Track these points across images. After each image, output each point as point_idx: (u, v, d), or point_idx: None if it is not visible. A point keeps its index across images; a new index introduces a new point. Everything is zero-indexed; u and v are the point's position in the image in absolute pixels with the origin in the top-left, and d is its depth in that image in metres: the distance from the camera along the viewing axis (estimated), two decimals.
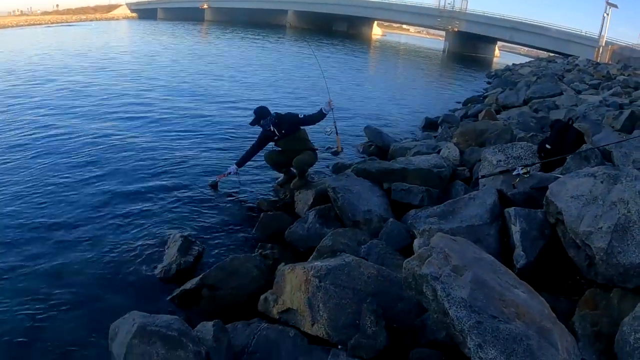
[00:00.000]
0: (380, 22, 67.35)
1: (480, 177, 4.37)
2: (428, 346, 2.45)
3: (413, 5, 50.59)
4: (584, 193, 3.01)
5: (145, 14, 67.71)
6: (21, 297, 3.19)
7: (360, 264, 2.85)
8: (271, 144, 5.37)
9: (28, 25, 46.56)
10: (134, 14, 69.60)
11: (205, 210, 4.76)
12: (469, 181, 5.03)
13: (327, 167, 6.29)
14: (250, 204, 5.03)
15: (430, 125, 9.82)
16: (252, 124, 5.20)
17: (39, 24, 47.84)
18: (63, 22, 51.80)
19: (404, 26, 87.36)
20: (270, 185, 5.57)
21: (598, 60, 28.99)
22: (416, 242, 3.35)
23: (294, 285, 2.78)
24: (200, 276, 3.27)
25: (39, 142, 6.59)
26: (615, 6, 36.20)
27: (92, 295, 3.28)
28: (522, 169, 3.86)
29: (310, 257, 3.50)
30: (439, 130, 8.92)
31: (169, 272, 3.54)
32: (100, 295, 3.30)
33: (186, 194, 5.10)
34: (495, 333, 1.94)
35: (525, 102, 11.23)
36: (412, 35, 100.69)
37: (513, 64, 30.09)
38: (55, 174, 5.41)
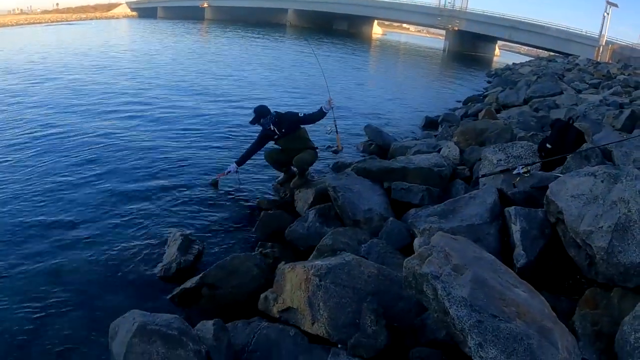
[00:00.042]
0: (381, 21, 67.31)
1: (480, 176, 4.37)
2: (428, 345, 2.45)
3: (413, 4, 50.54)
4: (585, 192, 3.00)
5: (145, 12, 67.66)
6: (21, 296, 3.19)
7: (360, 263, 2.85)
8: (271, 142, 5.36)
9: (28, 24, 46.55)
10: (134, 13, 69.56)
11: (205, 209, 4.76)
12: (469, 180, 5.03)
13: (327, 166, 6.28)
14: (251, 203, 5.02)
15: (430, 124, 9.82)
16: (252, 122, 5.19)
17: (39, 23, 47.81)
18: (63, 21, 51.74)
19: (404, 25, 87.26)
20: (270, 184, 5.57)
21: (598, 60, 28.95)
22: (416, 241, 3.34)
23: (294, 284, 2.77)
24: (201, 275, 3.27)
25: (39, 141, 6.59)
26: (616, 5, 36.21)
27: (92, 294, 3.28)
28: (522, 168, 3.86)
29: (311, 256, 3.51)
30: (439, 129, 8.92)
31: (169, 271, 3.54)
32: (100, 294, 3.30)
33: (186, 193, 5.10)
34: (495, 332, 1.94)
35: (526, 102, 11.22)
36: (412, 35, 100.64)
37: (513, 63, 30.08)
38: (55, 173, 5.41)
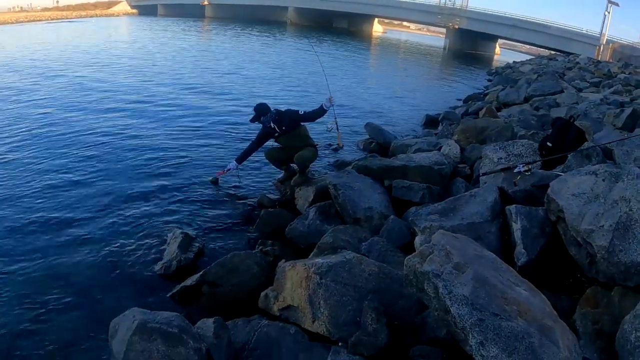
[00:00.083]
0: (381, 19, 67.22)
1: (481, 174, 4.37)
2: (429, 344, 2.45)
3: (414, 2, 50.42)
4: (586, 191, 3.00)
5: (145, 10, 67.52)
6: (21, 295, 3.19)
7: (361, 261, 2.84)
8: (271, 140, 5.36)
9: (28, 21, 46.40)
10: (134, 11, 69.41)
11: (206, 207, 4.76)
12: (469, 178, 5.03)
13: (328, 163, 6.28)
14: (251, 201, 5.02)
15: (431, 122, 9.81)
16: (253, 120, 5.19)
17: (39, 21, 47.66)
18: (63, 19, 51.57)
19: (405, 23, 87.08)
20: (271, 182, 5.56)
21: (599, 59, 28.94)
22: (417, 240, 3.34)
23: (294, 282, 2.77)
24: (201, 273, 3.26)
25: (38, 140, 6.57)
26: (617, 4, 36.18)
27: (92, 292, 3.28)
28: (523, 166, 3.85)
29: (311, 254, 3.51)
30: (440, 127, 8.92)
31: (169, 269, 3.54)
32: (99, 291, 3.30)
33: (186, 191, 5.09)
34: (497, 331, 1.93)
35: (526, 100, 11.22)
36: (412, 33, 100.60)
37: (514, 62, 30.08)
38: (54, 170, 5.41)
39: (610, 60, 27.21)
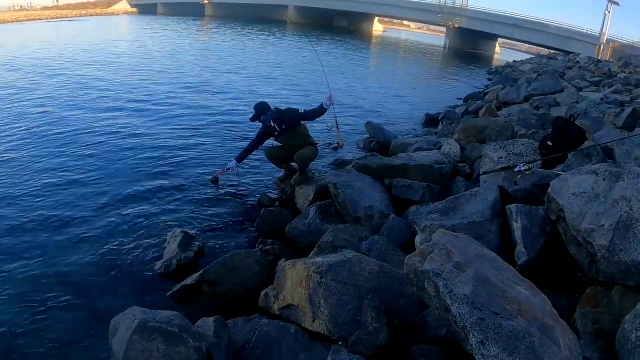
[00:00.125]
0: (381, 18, 67.13)
1: (481, 173, 4.36)
2: (429, 343, 2.45)
3: (414, 1, 50.30)
4: (586, 190, 3.00)
5: (145, 9, 67.39)
6: (21, 293, 3.19)
7: (361, 260, 2.84)
8: (271, 139, 5.35)
9: (28, 20, 46.37)
10: (134, 10, 69.28)
11: (206, 206, 4.75)
12: (470, 178, 5.03)
13: (328, 162, 6.27)
14: (251, 200, 5.01)
15: (431, 121, 9.81)
16: (253, 119, 5.18)
17: (39, 19, 47.63)
18: (63, 18, 51.54)
19: (405, 22, 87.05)
20: (271, 180, 5.56)
21: (599, 58, 28.93)
22: (418, 239, 3.34)
23: (295, 281, 2.77)
24: (201, 272, 3.25)
25: (38, 139, 6.57)
26: (617, 4, 36.11)
27: (92, 291, 3.28)
28: (523, 165, 3.85)
29: (311, 253, 3.50)
30: (440, 126, 8.91)
31: (169, 268, 3.54)
32: (100, 290, 3.30)
33: (186, 190, 5.09)
34: (497, 330, 1.93)
35: (526, 99, 11.21)
36: (412, 32, 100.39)
37: (514, 61, 30.06)
38: (54, 169, 5.40)
39: (611, 60, 27.20)
